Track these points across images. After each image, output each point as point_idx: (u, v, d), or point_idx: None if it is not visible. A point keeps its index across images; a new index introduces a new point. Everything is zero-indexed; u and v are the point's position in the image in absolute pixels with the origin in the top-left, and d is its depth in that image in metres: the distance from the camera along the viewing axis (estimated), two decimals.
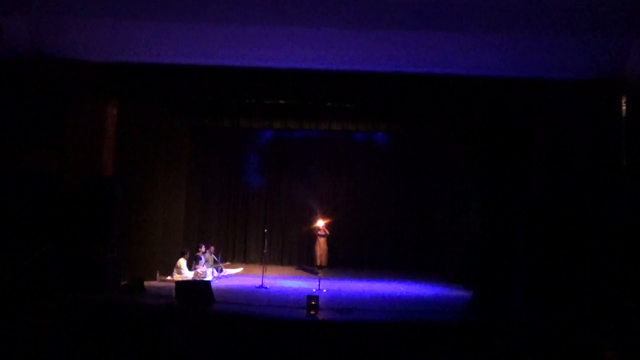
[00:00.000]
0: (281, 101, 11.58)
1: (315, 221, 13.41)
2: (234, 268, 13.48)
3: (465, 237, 11.84)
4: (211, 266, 12.33)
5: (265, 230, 12.57)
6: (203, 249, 12.46)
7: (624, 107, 8.37)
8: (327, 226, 13.25)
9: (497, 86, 10.19)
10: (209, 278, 11.46)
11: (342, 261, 14.89)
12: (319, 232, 13.13)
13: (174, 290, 9.14)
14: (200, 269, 11.83)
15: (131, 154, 10.96)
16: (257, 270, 12.89)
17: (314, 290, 10.57)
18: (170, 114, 11.77)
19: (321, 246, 13.05)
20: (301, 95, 11.38)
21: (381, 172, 15.42)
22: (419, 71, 9.04)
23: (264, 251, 12.24)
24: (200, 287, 9.31)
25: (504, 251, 10.18)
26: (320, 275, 12.13)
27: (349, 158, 15.51)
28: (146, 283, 10.17)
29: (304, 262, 15.22)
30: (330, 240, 13.43)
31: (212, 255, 12.73)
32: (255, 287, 10.91)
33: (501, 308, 8.59)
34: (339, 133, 13.87)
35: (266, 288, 10.82)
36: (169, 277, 11.52)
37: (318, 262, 13.02)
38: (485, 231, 10.97)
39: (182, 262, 11.73)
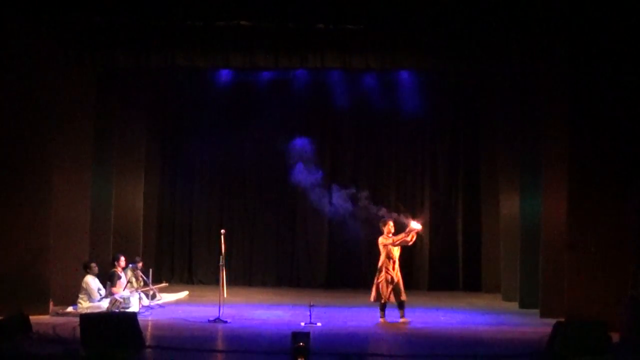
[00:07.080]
0: (243, 22, 11.51)
1: (404, 218, 11.51)
2: (174, 292, 13.45)
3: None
4: (137, 289, 12.26)
5: (223, 230, 12.33)
6: (123, 262, 12.32)
7: None
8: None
9: None
10: (134, 308, 11.43)
11: (346, 278, 15.13)
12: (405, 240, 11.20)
13: (77, 329, 9.06)
14: (120, 294, 11.74)
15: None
16: (210, 294, 12.90)
17: (303, 324, 10.61)
18: (62, 44, 11.62)
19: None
20: (275, 12, 11.32)
21: (410, 137, 15.53)
22: None
23: (221, 264, 12.08)
24: (120, 323, 9.22)
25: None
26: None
27: (355, 115, 15.53)
28: (33, 318, 10.06)
29: (286, 281, 15.36)
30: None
31: (139, 272, 12.67)
32: (209, 320, 11.01)
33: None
34: (337, 73, 13.96)
35: (226, 322, 10.93)
36: (70, 309, 11.48)
37: (401, 297, 11.13)
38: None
39: (90, 280, 11.55)
